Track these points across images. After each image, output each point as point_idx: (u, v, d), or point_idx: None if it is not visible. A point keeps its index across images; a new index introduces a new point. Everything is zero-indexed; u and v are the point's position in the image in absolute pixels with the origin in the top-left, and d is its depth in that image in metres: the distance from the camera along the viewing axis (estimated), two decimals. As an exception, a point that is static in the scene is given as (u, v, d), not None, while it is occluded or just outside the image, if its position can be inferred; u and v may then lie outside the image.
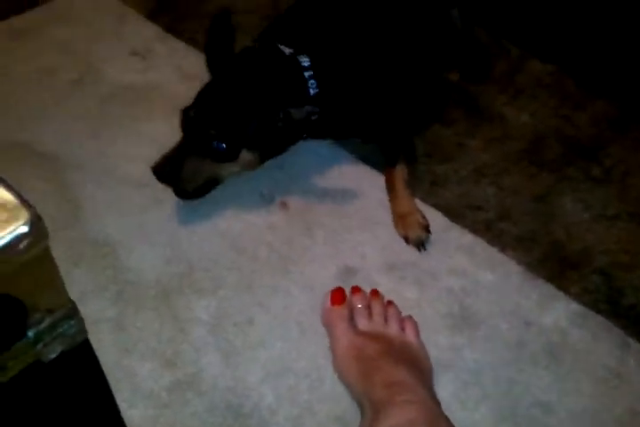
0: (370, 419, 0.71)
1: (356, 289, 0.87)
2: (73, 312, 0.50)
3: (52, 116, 1.12)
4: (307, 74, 0.94)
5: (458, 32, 1.20)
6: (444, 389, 0.81)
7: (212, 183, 0.96)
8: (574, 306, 0.90)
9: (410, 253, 0.97)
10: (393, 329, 0.83)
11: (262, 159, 0.96)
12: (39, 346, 0.49)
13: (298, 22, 1.04)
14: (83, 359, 0.54)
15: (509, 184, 1.08)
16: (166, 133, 1.10)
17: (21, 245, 0.42)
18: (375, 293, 0.88)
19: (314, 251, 0.96)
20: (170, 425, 0.76)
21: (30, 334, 0.48)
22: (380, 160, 1.07)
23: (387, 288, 0.91)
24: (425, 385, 0.75)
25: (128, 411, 0.75)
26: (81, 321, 0.51)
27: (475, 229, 1.00)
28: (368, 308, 0.85)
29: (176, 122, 1.12)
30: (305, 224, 1.00)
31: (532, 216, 1.03)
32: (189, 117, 0.93)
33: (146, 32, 1.30)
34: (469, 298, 0.90)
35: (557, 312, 0.89)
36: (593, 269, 0.96)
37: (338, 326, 0.82)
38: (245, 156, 0.94)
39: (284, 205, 1.02)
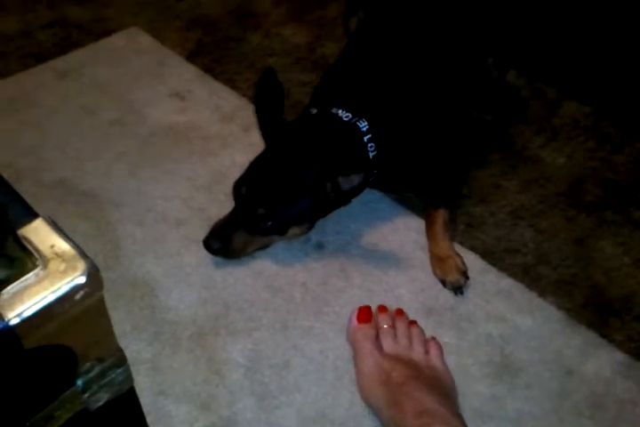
0: None
1: (382, 308, 0.88)
2: (121, 361, 0.50)
3: (93, 155, 1.15)
4: (365, 138, 0.95)
5: (493, 79, 1.22)
6: (485, 439, 0.79)
7: (259, 249, 0.98)
8: (618, 355, 0.87)
9: (447, 296, 0.96)
10: (418, 352, 0.83)
11: (311, 227, 0.97)
12: (87, 395, 0.49)
13: (347, 81, 1.04)
14: (128, 407, 0.54)
15: (547, 227, 1.06)
16: (204, 174, 1.12)
17: (77, 296, 0.43)
18: (400, 312, 0.88)
19: (349, 293, 0.96)
20: (205, 471, 0.76)
21: (79, 383, 0.48)
22: (417, 201, 1.07)
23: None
24: (454, 412, 0.74)
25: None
26: (128, 369, 0.51)
27: (512, 273, 0.99)
28: (393, 328, 0.85)
29: (212, 163, 1.14)
30: (340, 265, 0.99)
31: (572, 260, 1.01)
32: (240, 193, 0.94)
33: (185, 73, 1.33)
34: (509, 345, 0.89)
35: (600, 361, 0.87)
36: (635, 316, 0.94)
37: (364, 346, 0.83)
38: (294, 230, 0.95)
39: (319, 246, 1.02)
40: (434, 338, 0.86)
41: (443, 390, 0.78)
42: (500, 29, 1.19)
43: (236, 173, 0.97)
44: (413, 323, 0.88)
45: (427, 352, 0.83)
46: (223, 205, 1.02)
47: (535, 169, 1.16)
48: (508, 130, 1.23)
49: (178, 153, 1.16)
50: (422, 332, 0.87)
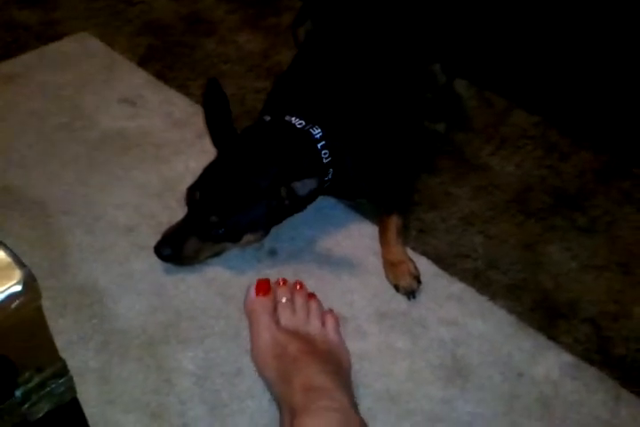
0: (286, 423, 0.72)
1: (282, 281, 0.90)
2: (62, 370, 0.49)
3: (40, 161, 1.12)
4: (319, 145, 0.95)
5: (440, 86, 1.24)
6: (437, 443, 0.79)
7: (212, 257, 0.97)
8: (566, 356, 0.89)
9: (400, 301, 0.96)
10: (314, 325, 0.85)
11: (265, 234, 0.96)
12: (26, 406, 0.47)
13: (299, 89, 1.04)
14: (70, 418, 0.53)
15: (497, 233, 1.08)
16: (155, 181, 1.11)
17: (13, 305, 0.42)
18: (300, 285, 0.91)
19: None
20: (155, 483, 0.74)
21: (18, 393, 0.46)
22: (369, 208, 1.08)
23: (377, 338, 0.91)
24: (344, 387, 0.75)
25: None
26: (70, 379, 0.50)
27: (463, 278, 1.00)
28: (292, 301, 0.87)
29: (164, 170, 1.13)
30: (293, 271, 0.99)
31: (521, 265, 1.03)
32: (193, 199, 0.93)
33: (136, 79, 1.32)
34: (461, 348, 0.90)
35: (549, 363, 0.88)
36: (582, 319, 0.96)
37: (261, 319, 0.84)
38: (249, 237, 0.94)
39: (272, 253, 1.02)
40: (331, 310, 0.89)
41: (335, 363, 0.80)
42: (446, 36, 1.21)
43: (189, 180, 0.96)
44: (312, 296, 0.90)
45: (323, 325, 0.85)
46: (175, 212, 1.01)
47: (485, 177, 1.18)
48: (458, 138, 1.25)
49: (128, 159, 1.14)
50: (320, 305, 0.89)
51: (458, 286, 0.98)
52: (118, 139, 1.18)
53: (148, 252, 0.95)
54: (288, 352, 0.79)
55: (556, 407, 0.84)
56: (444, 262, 1.02)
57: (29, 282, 0.41)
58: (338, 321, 0.87)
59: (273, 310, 0.86)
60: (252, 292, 0.87)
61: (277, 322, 0.84)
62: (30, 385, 0.47)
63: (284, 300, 0.87)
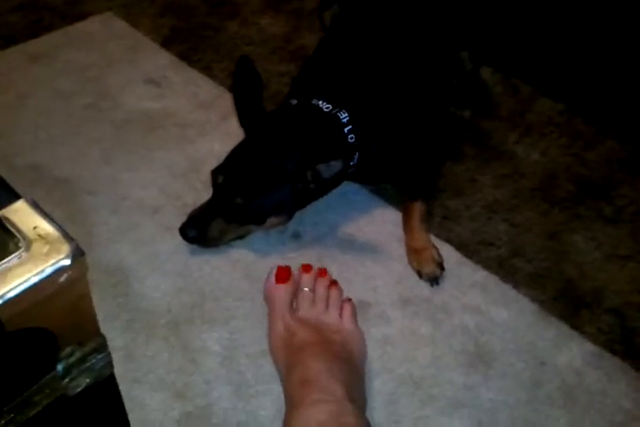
0: (285, 417, 0.73)
1: (306, 268, 0.88)
2: (102, 346, 0.49)
3: (66, 141, 1.12)
4: (346, 129, 0.94)
5: (467, 73, 1.23)
6: (460, 428, 0.80)
7: (236, 239, 0.97)
8: (589, 346, 0.89)
9: (423, 288, 0.96)
10: (331, 316, 0.84)
11: (290, 218, 0.96)
12: (66, 380, 0.48)
13: (326, 73, 1.03)
14: (107, 393, 0.53)
15: (521, 221, 1.08)
16: (180, 162, 1.11)
17: (61, 279, 0.42)
18: (324, 273, 0.89)
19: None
20: (181, 460, 0.75)
21: (59, 367, 0.47)
22: (393, 194, 1.08)
23: (401, 323, 0.91)
24: (346, 381, 0.75)
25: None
26: (109, 355, 0.50)
27: (487, 266, 1.00)
28: (313, 291, 0.86)
29: (189, 151, 1.13)
30: (317, 256, 0.99)
31: (545, 254, 1.03)
32: (217, 182, 0.93)
33: (160, 60, 1.31)
34: (484, 335, 0.90)
35: (572, 352, 0.88)
36: (606, 309, 0.96)
37: (279, 307, 0.84)
38: (273, 220, 0.94)
39: (296, 236, 1.02)
40: (349, 300, 0.87)
41: (345, 354, 0.80)
42: (474, 23, 1.20)
43: (214, 161, 0.96)
44: (333, 284, 0.88)
45: (340, 315, 0.85)
46: (200, 194, 1.01)
47: (510, 164, 1.17)
48: (484, 125, 1.24)
49: (153, 140, 1.14)
50: (340, 294, 0.88)
51: (481, 274, 0.98)
52: (143, 119, 1.18)
53: (173, 233, 0.96)
54: (295, 342, 0.80)
55: (578, 396, 0.84)
56: (468, 250, 1.02)
57: (77, 256, 0.42)
58: (355, 311, 0.87)
59: (291, 297, 0.85)
60: (272, 278, 0.87)
61: (293, 310, 0.84)
62: (72, 360, 0.47)
63: (306, 289, 0.86)
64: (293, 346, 0.79)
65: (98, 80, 1.25)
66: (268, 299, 0.86)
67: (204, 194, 0.98)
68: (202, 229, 0.92)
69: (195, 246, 0.96)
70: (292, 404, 0.73)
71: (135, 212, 1.02)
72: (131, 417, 0.74)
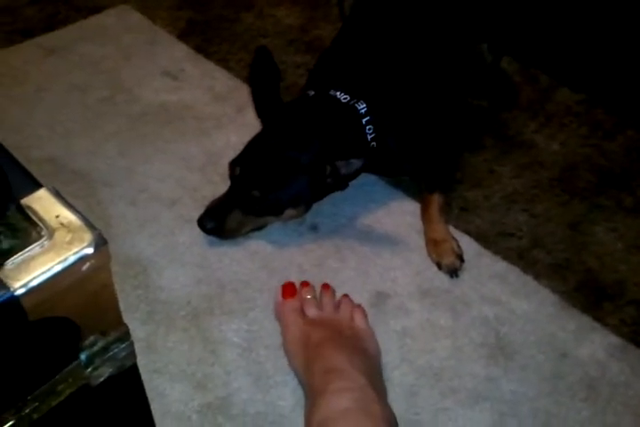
0: (308, 407, 0.73)
1: (305, 283, 0.89)
2: (125, 335, 0.49)
3: (82, 134, 1.12)
4: (364, 120, 0.94)
5: (487, 64, 1.21)
6: (481, 420, 0.79)
7: (254, 231, 0.97)
8: (612, 338, 0.88)
9: (442, 279, 0.95)
10: (342, 316, 0.85)
11: (307, 210, 0.96)
12: (89, 369, 0.48)
13: (344, 63, 1.02)
14: (130, 384, 0.53)
15: (541, 212, 1.07)
16: (197, 154, 1.11)
17: (84, 267, 0.42)
18: (326, 287, 0.90)
19: (344, 274, 0.95)
20: (202, 450, 0.75)
21: (83, 356, 0.47)
22: (411, 185, 1.07)
23: (420, 315, 0.90)
24: (367, 372, 0.75)
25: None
26: (131, 345, 0.50)
27: (507, 257, 0.99)
28: (317, 299, 0.87)
29: (206, 143, 1.13)
30: (335, 247, 0.99)
31: (565, 245, 1.02)
32: (235, 174, 0.93)
33: (177, 52, 1.31)
34: (504, 327, 0.89)
35: (594, 344, 0.87)
36: (628, 301, 0.94)
37: (289, 317, 0.84)
38: (290, 212, 0.94)
39: (314, 228, 1.02)
40: (359, 305, 0.87)
41: (362, 351, 0.80)
42: (494, 15, 1.18)
43: (230, 154, 0.96)
44: (344, 296, 0.89)
45: (351, 317, 0.85)
46: (217, 186, 1.01)
47: (529, 154, 1.16)
48: (502, 115, 1.23)
49: (170, 133, 1.14)
50: (351, 301, 0.88)
51: (501, 265, 0.97)
52: (160, 112, 1.18)
53: (191, 224, 0.96)
54: (312, 340, 0.80)
55: (601, 389, 0.83)
56: (487, 241, 1.01)
57: (100, 244, 0.41)
58: (365, 313, 0.87)
59: (300, 308, 0.86)
60: (279, 296, 0.88)
61: (305, 317, 0.85)
62: (95, 349, 0.47)
63: (308, 296, 0.87)
64: (311, 344, 0.80)
65: (114, 73, 1.25)
66: (280, 314, 0.87)
67: (221, 186, 0.98)
68: (220, 221, 0.92)
69: (213, 238, 0.96)
70: (314, 393, 0.73)
71: (153, 204, 1.02)
72: (151, 407, 0.74)
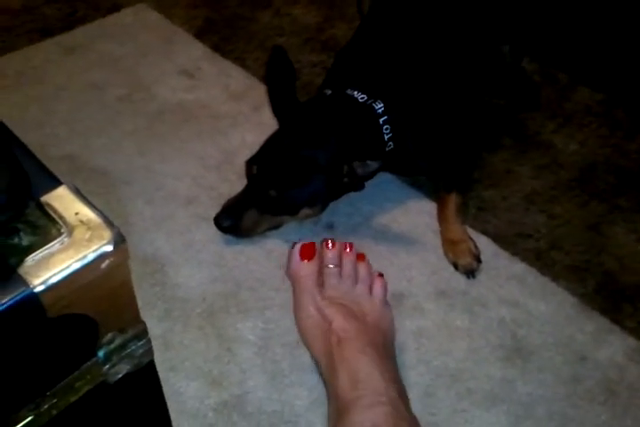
0: (334, 418, 0.71)
1: (331, 243, 0.84)
2: (143, 333, 0.49)
3: (101, 132, 1.13)
4: (381, 120, 0.93)
5: (507, 65, 1.20)
6: (497, 422, 0.78)
7: (270, 229, 0.97)
8: (631, 341, 0.87)
9: (459, 280, 0.95)
10: (361, 294, 0.81)
11: (323, 209, 0.96)
12: (107, 366, 0.48)
13: (361, 62, 1.02)
14: (147, 381, 0.53)
15: (560, 213, 1.06)
16: (213, 153, 1.11)
17: (103, 265, 0.42)
18: (349, 246, 0.85)
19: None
20: (217, 448, 0.75)
21: (100, 354, 0.47)
22: (428, 185, 1.06)
23: (436, 315, 0.90)
24: (394, 375, 0.73)
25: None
26: (149, 342, 0.50)
27: (525, 258, 0.98)
28: (339, 267, 0.83)
29: (222, 142, 1.13)
30: (351, 247, 0.98)
31: (584, 246, 1.01)
32: (252, 173, 0.93)
33: (194, 51, 1.31)
34: (522, 329, 0.88)
35: (613, 347, 0.86)
36: (648, 303, 0.93)
37: (305, 286, 0.81)
38: (306, 211, 0.94)
39: (330, 227, 1.01)
40: (380, 274, 0.85)
41: (381, 337, 0.78)
42: (516, 17, 1.17)
43: (246, 153, 0.96)
44: (361, 258, 0.85)
45: (370, 291, 0.82)
46: (233, 184, 1.01)
47: (547, 155, 1.15)
48: (521, 115, 1.22)
49: (187, 131, 1.14)
50: (369, 269, 0.85)
51: (519, 266, 0.96)
52: (177, 111, 1.18)
53: (208, 223, 0.96)
54: (333, 330, 0.77)
55: (620, 393, 0.82)
56: (505, 242, 1.00)
57: (119, 242, 0.41)
58: (386, 286, 0.84)
59: (318, 275, 0.82)
60: (297, 256, 0.83)
61: (322, 289, 0.81)
62: (112, 346, 0.47)
63: (331, 266, 0.83)
64: (331, 337, 0.77)
65: (132, 71, 1.26)
66: (295, 277, 0.83)
67: (237, 185, 0.98)
68: (236, 220, 0.92)
69: (229, 236, 0.96)
70: (342, 403, 0.71)
71: (170, 202, 1.02)
72: (168, 405, 0.74)
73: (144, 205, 1.01)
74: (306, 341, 0.81)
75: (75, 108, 1.17)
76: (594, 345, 0.87)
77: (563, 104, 1.24)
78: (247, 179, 0.95)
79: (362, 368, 0.73)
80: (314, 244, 0.85)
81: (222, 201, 0.96)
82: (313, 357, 0.81)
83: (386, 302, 0.83)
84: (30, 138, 1.10)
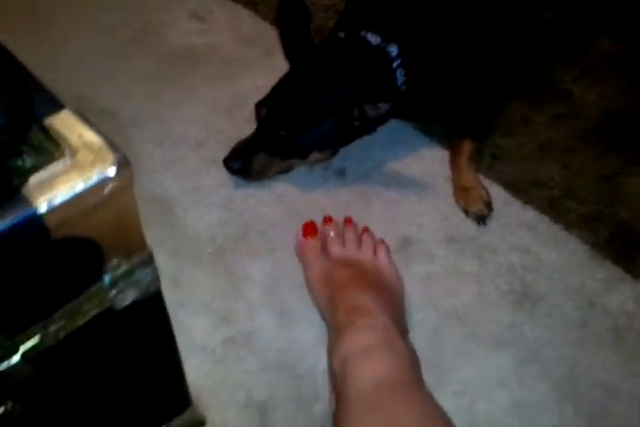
0: (331, 345, 0.73)
1: (328, 219, 0.88)
2: (149, 260, 0.49)
3: (111, 74, 1.11)
4: (395, 64, 0.91)
5: (530, 14, 1.16)
6: (503, 364, 0.79)
7: (280, 173, 0.96)
8: (642, 289, 0.86)
9: (469, 226, 0.94)
10: (366, 254, 0.84)
11: (333, 153, 0.94)
12: (113, 292, 0.48)
13: (376, 3, 0.99)
14: (154, 309, 0.54)
15: (575, 163, 1.04)
16: (223, 97, 1.09)
17: (107, 188, 0.41)
18: (349, 221, 0.88)
19: (370, 219, 0.94)
20: (223, 380, 0.77)
21: (106, 278, 0.47)
22: (441, 132, 1.04)
23: (445, 261, 0.89)
24: (391, 311, 0.75)
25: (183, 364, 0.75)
26: (155, 270, 0.50)
27: (537, 206, 0.97)
28: (341, 236, 0.86)
29: (232, 87, 1.11)
30: (361, 192, 0.98)
31: (598, 196, 0.99)
32: (261, 116, 0.91)
33: (205, -5, 1.28)
34: (531, 275, 0.88)
35: (624, 295, 0.86)
36: (661, 253, 0.92)
37: (311, 256, 0.84)
38: (316, 155, 0.93)
39: (340, 172, 1.00)
40: (382, 241, 0.86)
41: (385, 289, 0.80)
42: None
43: (257, 98, 0.95)
44: (363, 230, 0.87)
45: (375, 254, 0.84)
46: (243, 129, 1.00)
47: (565, 104, 1.12)
48: (540, 63, 1.18)
49: (198, 75, 1.13)
50: (373, 236, 0.87)
51: (531, 214, 0.95)
52: (187, 54, 1.16)
53: (217, 167, 0.95)
54: (336, 279, 0.80)
55: (629, 339, 0.82)
56: (518, 190, 0.99)
57: (123, 165, 0.41)
58: (389, 250, 0.86)
59: (322, 247, 0.85)
60: (300, 235, 0.87)
61: (328, 255, 0.84)
62: (118, 272, 0.47)
63: (332, 234, 0.86)
64: (335, 282, 0.79)
65: (142, 14, 1.23)
66: (302, 253, 0.86)
67: (247, 129, 0.96)
68: (245, 162, 0.91)
69: (239, 180, 0.95)
70: (338, 330, 0.73)
71: (180, 146, 1.01)
72: (176, 339, 0.75)
73: (154, 147, 1.01)
74: (313, 296, 0.83)
75: (85, 50, 1.16)
76: (604, 292, 0.86)
77: (583, 54, 1.20)
78: (257, 122, 0.93)
79: (358, 299, 0.75)
80: (314, 222, 0.88)
81: (232, 145, 0.95)
82: (318, 307, 0.82)
83: (391, 262, 0.85)
84: (39, 76, 1.09)
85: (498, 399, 0.77)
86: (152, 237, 0.88)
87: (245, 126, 1.01)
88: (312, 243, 0.85)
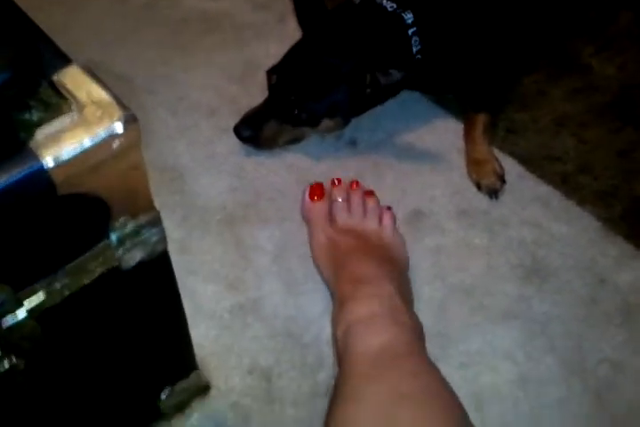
0: (335, 312, 0.73)
1: (337, 181, 0.88)
2: (156, 220, 0.49)
3: (125, 40, 1.10)
4: (410, 31, 0.89)
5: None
6: (510, 337, 0.79)
7: (291, 142, 0.95)
8: (654, 267, 0.85)
9: (481, 200, 0.93)
10: (371, 223, 0.83)
11: (345, 123, 0.93)
12: (120, 251, 0.48)
13: None
14: (160, 270, 0.54)
15: (591, 137, 1.02)
16: (236, 64, 1.08)
17: (114, 145, 0.41)
18: (355, 184, 0.87)
19: (381, 191, 0.92)
20: (230, 346, 0.77)
21: (113, 237, 0.47)
22: (455, 104, 1.03)
23: (456, 234, 0.89)
24: (395, 281, 0.75)
25: (190, 330, 0.75)
26: (162, 231, 0.50)
27: (551, 181, 0.95)
28: (347, 201, 0.85)
29: (245, 54, 1.10)
30: (373, 163, 0.97)
31: (613, 172, 0.97)
32: (272, 83, 0.90)
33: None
34: (542, 250, 0.87)
35: (636, 272, 0.85)
36: (675, 231, 0.91)
37: (317, 222, 0.83)
38: (327, 123, 0.91)
39: (352, 143, 0.99)
40: (389, 208, 0.85)
41: (389, 259, 0.79)
42: None
43: (270, 64, 0.93)
44: (369, 194, 0.87)
45: (380, 223, 0.84)
46: (255, 97, 0.98)
47: (583, 78, 1.10)
48: (561, 37, 1.15)
49: (210, 41, 1.11)
50: (378, 203, 0.86)
51: (544, 189, 0.94)
52: (201, 20, 1.14)
53: (229, 134, 0.94)
54: (341, 249, 0.80)
55: (637, 316, 0.81)
56: (532, 164, 0.97)
57: (131, 122, 0.40)
58: (394, 218, 0.85)
59: (328, 212, 0.85)
60: (307, 197, 0.86)
61: (333, 222, 0.83)
62: (125, 231, 0.47)
63: (339, 199, 0.85)
64: (339, 252, 0.79)
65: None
66: (308, 217, 0.86)
67: (259, 97, 0.95)
68: (256, 129, 0.91)
69: (250, 149, 0.95)
70: (342, 298, 0.73)
71: (192, 113, 1.01)
72: (184, 304, 0.76)
73: (166, 114, 1.00)
74: (318, 267, 0.82)
75: (99, 14, 1.14)
76: (615, 269, 0.85)
77: (605, 28, 1.17)
78: (268, 89, 0.92)
79: (362, 269, 0.75)
80: (321, 184, 0.87)
81: (243, 113, 0.94)
82: (323, 277, 0.82)
83: (396, 232, 0.84)
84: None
85: (503, 372, 0.77)
86: (161, 203, 0.88)
87: (258, 94, 1.00)
88: (318, 206, 0.85)
